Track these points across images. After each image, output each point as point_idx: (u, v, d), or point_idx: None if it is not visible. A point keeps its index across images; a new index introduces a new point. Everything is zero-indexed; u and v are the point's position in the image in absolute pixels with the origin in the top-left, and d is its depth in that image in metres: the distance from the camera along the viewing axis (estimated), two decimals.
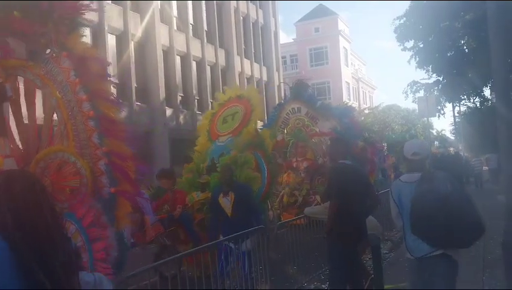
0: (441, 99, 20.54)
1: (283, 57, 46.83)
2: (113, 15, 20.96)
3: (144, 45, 23.05)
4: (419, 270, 3.96)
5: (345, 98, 49.08)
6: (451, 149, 31.19)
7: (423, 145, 4.71)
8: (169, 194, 7.50)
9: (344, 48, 55.15)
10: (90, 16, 19.57)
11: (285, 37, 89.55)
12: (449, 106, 28.80)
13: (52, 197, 1.99)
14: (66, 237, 1.98)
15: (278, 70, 37.30)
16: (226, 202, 6.23)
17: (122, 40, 21.62)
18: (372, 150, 16.56)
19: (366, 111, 44.49)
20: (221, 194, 6.33)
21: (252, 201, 6.62)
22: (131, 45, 21.94)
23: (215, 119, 8.07)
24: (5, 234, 1.79)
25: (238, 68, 30.97)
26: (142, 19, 22.79)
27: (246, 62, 32.37)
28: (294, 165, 12.43)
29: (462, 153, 29.34)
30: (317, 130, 12.89)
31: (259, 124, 12.48)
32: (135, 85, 21.90)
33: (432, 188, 3.70)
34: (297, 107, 13.14)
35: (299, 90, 13.33)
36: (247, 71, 32.45)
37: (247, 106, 7.75)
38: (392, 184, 4.57)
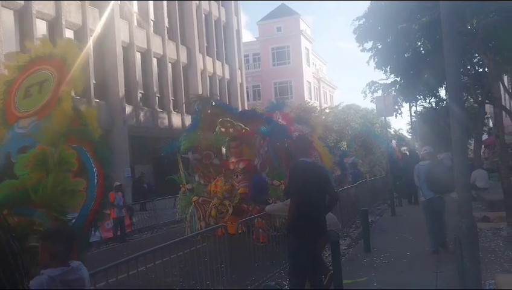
0: (399, 99, 21.07)
1: (246, 56, 46.88)
2: (70, 9, 20.39)
3: (103, 41, 22.53)
4: (428, 204, 8.63)
5: (306, 97, 49.67)
6: (404, 148, 32.18)
7: (430, 146, 10.03)
8: None
9: (306, 47, 55.78)
10: (47, 9, 19.00)
11: (249, 36, 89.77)
12: (406, 105, 29.67)
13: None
14: (11, 235, 1.91)
15: (240, 68, 37.33)
16: None
17: (80, 35, 21.05)
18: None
19: (327, 110, 45.17)
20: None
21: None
22: (90, 41, 21.38)
23: (12, 90, 5.00)
24: None
25: (200, 66, 30.78)
26: (101, 14, 22.26)
27: (208, 60, 32.21)
28: (231, 166, 11.67)
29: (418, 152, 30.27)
30: (248, 129, 12.05)
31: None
32: (94, 81, 21.39)
33: (441, 165, 9.57)
34: (221, 112, 12.42)
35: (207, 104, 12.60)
36: (210, 69, 32.30)
37: (62, 69, 4.79)
38: (415, 167, 9.15)
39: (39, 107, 4.76)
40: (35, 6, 18.35)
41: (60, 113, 4.58)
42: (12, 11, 17.83)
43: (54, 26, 19.59)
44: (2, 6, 17.11)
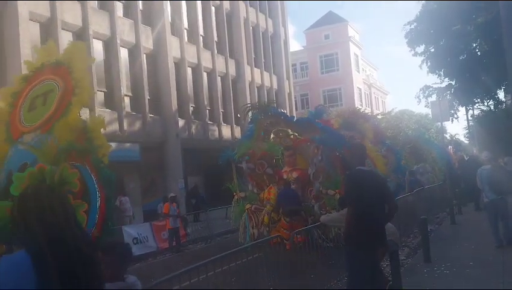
0: (454, 103, 20.41)
1: (293, 65, 46.93)
2: (124, 29, 21.28)
3: (156, 58, 23.34)
4: (492, 205, 9.22)
5: (357, 104, 48.92)
6: (462, 154, 30.92)
7: (488, 152, 10.45)
8: None
9: (355, 54, 55.11)
10: (103, 30, 19.96)
11: (296, 46, 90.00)
12: (462, 109, 28.60)
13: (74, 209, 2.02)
14: (93, 247, 2.02)
15: (288, 78, 37.41)
16: None
17: (134, 53, 21.92)
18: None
19: (379, 116, 44.31)
20: None
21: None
22: (143, 58, 22.22)
23: (18, 103, 4.58)
24: (31, 246, 1.85)
25: (248, 77, 31.13)
26: (153, 32, 23.09)
27: (256, 71, 32.53)
28: (285, 175, 11.72)
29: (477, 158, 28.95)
30: (302, 138, 12.20)
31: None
32: (148, 97, 22.14)
33: (503, 169, 9.78)
34: (276, 121, 12.51)
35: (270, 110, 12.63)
36: (258, 80, 32.60)
37: (67, 78, 4.34)
38: (478, 171, 9.78)
39: (43, 120, 4.28)
40: (92, 27, 19.31)
41: (64, 127, 4.12)
42: (71, 33, 18.84)
43: (109, 45, 20.51)
44: (62, 29, 18.13)
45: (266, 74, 34.04)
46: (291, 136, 11.80)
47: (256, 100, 31.45)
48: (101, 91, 19.80)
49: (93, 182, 4.10)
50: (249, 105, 14.41)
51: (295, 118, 12.87)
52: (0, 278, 1.78)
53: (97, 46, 19.90)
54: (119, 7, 21.36)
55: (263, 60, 33.88)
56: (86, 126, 4.28)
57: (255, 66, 32.49)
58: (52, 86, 4.40)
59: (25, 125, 4.44)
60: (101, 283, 2.04)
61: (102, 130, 4.30)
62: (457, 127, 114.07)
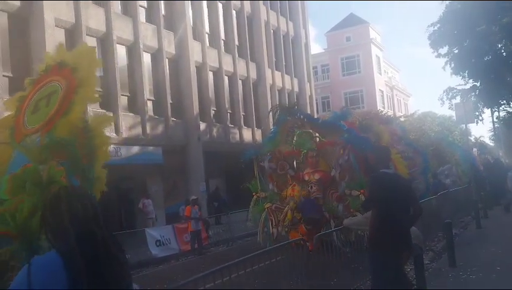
0: (479, 105, 20.07)
1: (314, 68, 46.78)
2: (147, 34, 21.57)
3: (178, 62, 23.59)
4: None
5: (379, 106, 48.48)
6: (488, 157, 30.21)
7: None
8: None
9: (376, 56, 54.65)
10: (126, 35, 20.28)
11: (317, 48, 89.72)
12: (487, 111, 28.03)
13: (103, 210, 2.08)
14: (120, 247, 2.07)
15: (309, 81, 37.31)
16: None
17: (156, 57, 22.20)
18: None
19: (402, 119, 43.78)
20: None
21: None
22: (166, 62, 22.49)
23: (23, 106, 4.50)
24: (62, 246, 1.90)
25: (269, 81, 31.18)
26: (175, 37, 23.35)
27: (277, 74, 32.55)
28: (306, 177, 11.63)
29: (503, 160, 28.41)
30: (326, 141, 12.25)
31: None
32: (170, 101, 22.39)
33: None
34: (301, 123, 12.58)
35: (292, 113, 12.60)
36: (279, 83, 32.61)
37: (71, 78, 4.26)
38: (508, 174, 13.40)
39: (45, 121, 4.09)
40: (116, 33, 19.64)
41: (65, 126, 3.94)
42: (95, 38, 19.20)
43: (133, 50, 20.82)
44: (87, 34, 18.49)
45: (287, 77, 34.03)
46: (316, 139, 11.80)
47: (277, 103, 31.51)
48: (124, 95, 20.10)
49: (77, 181, 3.90)
50: (277, 106, 14.49)
51: (320, 120, 12.86)
52: (32, 278, 1.83)
53: (120, 51, 20.23)
54: (141, 12, 21.68)
55: (284, 63, 33.88)
56: (87, 125, 4.20)
57: (276, 69, 32.51)
58: (56, 87, 4.24)
59: (27, 128, 4.24)
60: (129, 283, 2.07)
61: (113, 131, 4.19)
62: (482, 129, 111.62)
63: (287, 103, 32.46)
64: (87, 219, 1.96)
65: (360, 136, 11.41)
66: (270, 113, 13.35)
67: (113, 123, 18.94)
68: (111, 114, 18.60)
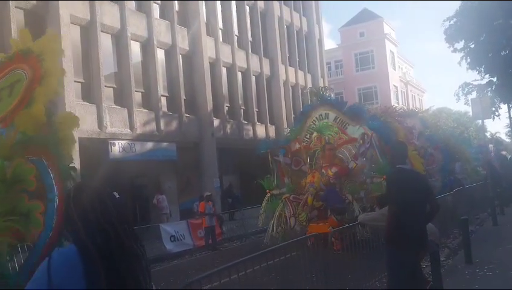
0: (496, 100, 19.76)
1: (328, 63, 46.53)
2: (161, 30, 21.66)
3: (192, 58, 23.64)
4: None
5: (393, 102, 48.05)
6: (504, 152, 29.74)
7: None
8: None
9: (391, 51, 54.13)
10: (140, 31, 20.39)
11: (331, 44, 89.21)
12: (504, 106, 27.63)
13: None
14: (136, 240, 2.07)
15: (322, 76, 37.12)
16: None
17: (170, 53, 22.28)
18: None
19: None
20: None
21: None
22: (179, 58, 22.56)
23: None
24: (79, 240, 1.92)
25: (282, 76, 31.09)
26: (189, 33, 23.40)
27: (291, 70, 32.45)
28: (324, 171, 11.81)
29: None
30: (346, 137, 12.52)
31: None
32: (184, 97, 22.47)
33: None
34: (325, 113, 12.83)
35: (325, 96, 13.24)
36: (292, 79, 32.51)
37: (37, 67, 3.94)
38: None
39: (6, 112, 3.83)
40: (130, 29, 19.75)
41: (26, 118, 3.67)
42: (110, 35, 19.34)
43: (147, 46, 20.93)
44: (102, 31, 18.63)
45: (300, 73, 33.90)
46: (336, 135, 12.06)
47: (291, 99, 31.41)
48: (138, 92, 20.23)
49: (51, 179, 3.65)
50: (312, 88, 15.06)
51: (346, 105, 13.06)
52: (51, 271, 1.86)
53: (135, 48, 20.35)
54: (155, 9, 21.76)
55: (297, 59, 33.75)
56: (52, 120, 3.98)
57: (290, 65, 32.41)
58: (20, 75, 3.99)
59: None
60: (148, 281, 2.06)
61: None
62: (499, 125, 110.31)
63: (300, 99, 32.47)
64: (107, 213, 1.97)
65: (384, 123, 11.58)
66: (284, 110, 13.70)
67: (127, 119, 19.12)
68: (125, 110, 18.71)
